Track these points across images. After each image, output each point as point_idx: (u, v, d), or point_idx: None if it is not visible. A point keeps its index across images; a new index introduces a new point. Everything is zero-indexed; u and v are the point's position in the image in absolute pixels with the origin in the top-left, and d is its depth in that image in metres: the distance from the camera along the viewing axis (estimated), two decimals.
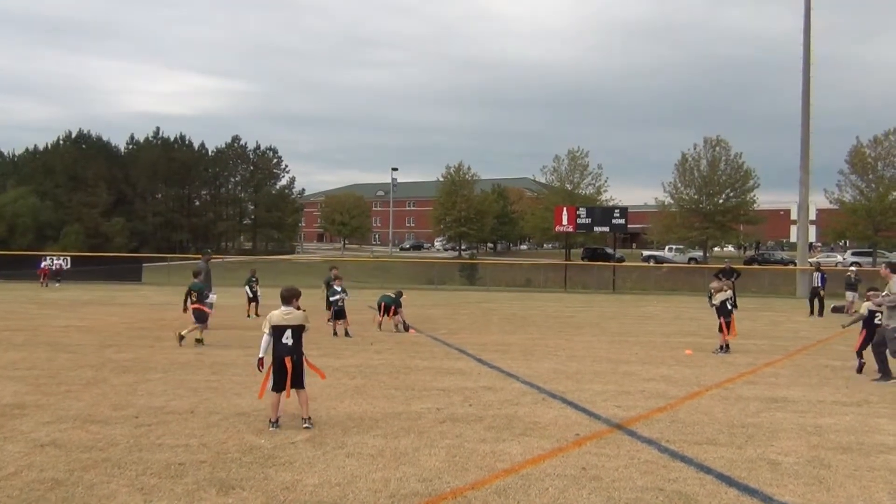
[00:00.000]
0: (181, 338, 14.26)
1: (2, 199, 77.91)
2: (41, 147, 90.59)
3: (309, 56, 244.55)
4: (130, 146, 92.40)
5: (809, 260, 39.98)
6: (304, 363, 8.07)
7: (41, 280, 36.04)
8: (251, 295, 21.32)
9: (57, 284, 35.64)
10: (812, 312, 24.37)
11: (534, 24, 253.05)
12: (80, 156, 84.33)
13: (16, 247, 63.32)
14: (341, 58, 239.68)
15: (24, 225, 75.71)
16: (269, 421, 7.97)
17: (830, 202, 64.00)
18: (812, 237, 40.45)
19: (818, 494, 6.09)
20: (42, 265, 37.72)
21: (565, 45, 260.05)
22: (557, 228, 43.57)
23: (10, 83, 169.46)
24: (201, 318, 14.50)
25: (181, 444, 7.32)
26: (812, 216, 38.81)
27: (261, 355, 8.10)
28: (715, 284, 15.40)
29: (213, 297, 18.04)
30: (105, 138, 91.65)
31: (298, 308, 8.12)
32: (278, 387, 7.90)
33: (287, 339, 7.89)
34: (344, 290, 17.14)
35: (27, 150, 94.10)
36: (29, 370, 11.52)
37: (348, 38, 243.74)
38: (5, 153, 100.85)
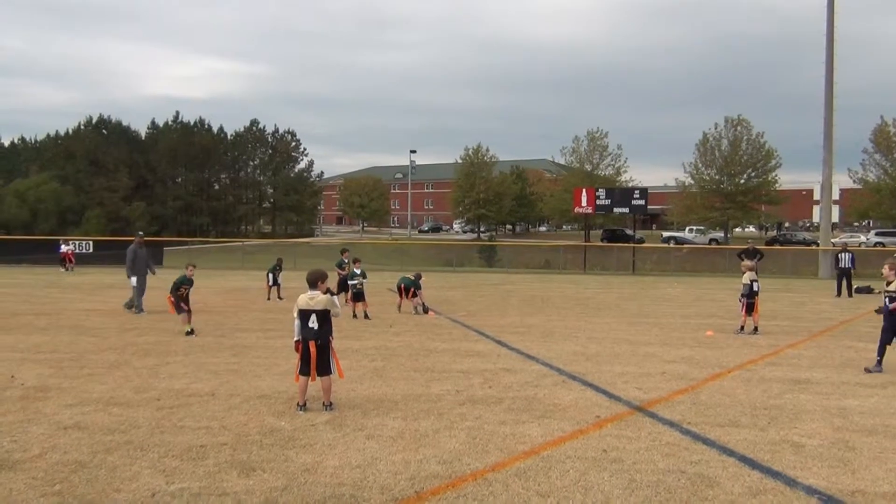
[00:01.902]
0: (190, 332, 13.70)
1: (25, 185, 78.88)
2: (62, 132, 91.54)
3: (325, 38, 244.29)
4: (151, 131, 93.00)
5: (835, 240, 39.51)
6: (331, 352, 8.01)
7: (66, 264, 36.37)
8: (271, 282, 21.35)
9: (65, 270, 35.67)
10: (840, 293, 24.03)
11: (553, 5, 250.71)
12: (101, 141, 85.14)
13: (38, 231, 64.10)
14: (358, 40, 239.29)
15: (47, 210, 76.60)
16: (298, 405, 7.97)
17: (854, 182, 63.10)
18: (835, 217, 39.84)
19: (843, 477, 6.02)
20: (65, 249, 38.04)
21: (584, 26, 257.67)
22: (576, 210, 43.34)
23: (28, 67, 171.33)
24: (178, 309, 13.94)
25: (202, 426, 7.36)
26: (835, 196, 38.27)
27: (295, 338, 8.06)
28: (748, 263, 15.35)
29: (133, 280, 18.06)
30: (125, 123, 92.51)
31: (327, 291, 8.08)
32: (305, 370, 7.88)
33: (312, 323, 7.85)
34: (363, 273, 17.16)
35: (48, 135, 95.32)
36: (52, 353, 11.64)
37: (364, 19, 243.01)
38: (27, 139, 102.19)
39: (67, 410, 7.94)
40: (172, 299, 13.97)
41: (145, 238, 19.26)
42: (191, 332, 13.72)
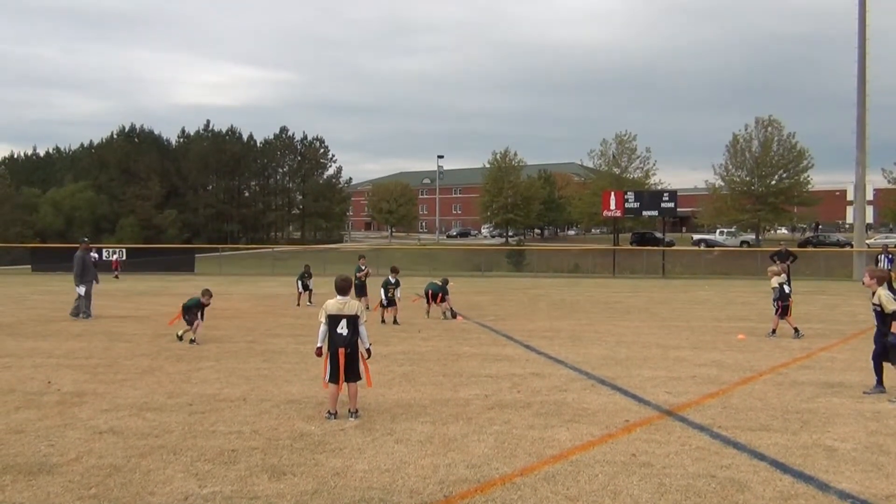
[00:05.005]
0: (183, 338, 13.73)
1: (60, 194, 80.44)
2: (96, 142, 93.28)
3: (352, 44, 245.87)
4: (181, 139, 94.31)
5: (875, 241, 38.77)
6: (360, 358, 7.97)
7: (115, 272, 37.03)
8: (301, 288, 21.53)
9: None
10: None
11: (579, 7, 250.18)
12: (133, 150, 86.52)
13: (74, 240, 65.21)
14: (384, 45, 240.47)
15: (82, 218, 78.01)
16: (328, 412, 7.93)
17: (889, 182, 62.13)
18: (869, 218, 39.13)
19: (876, 481, 5.94)
20: (115, 258, 39.18)
21: (611, 28, 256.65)
22: (605, 213, 43.03)
23: (61, 77, 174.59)
24: (189, 321, 13.81)
25: (234, 430, 7.46)
26: (869, 196, 37.55)
27: (318, 344, 8.03)
28: (773, 268, 15.15)
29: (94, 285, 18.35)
30: (157, 132, 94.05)
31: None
32: (334, 378, 7.80)
33: (342, 329, 7.81)
34: (397, 282, 17.16)
35: (82, 145, 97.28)
36: (87, 359, 11.85)
37: (390, 24, 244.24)
38: (62, 148, 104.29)
39: (102, 415, 8.09)
40: (182, 316, 13.86)
41: (90, 244, 19.61)
42: (192, 341, 13.55)
